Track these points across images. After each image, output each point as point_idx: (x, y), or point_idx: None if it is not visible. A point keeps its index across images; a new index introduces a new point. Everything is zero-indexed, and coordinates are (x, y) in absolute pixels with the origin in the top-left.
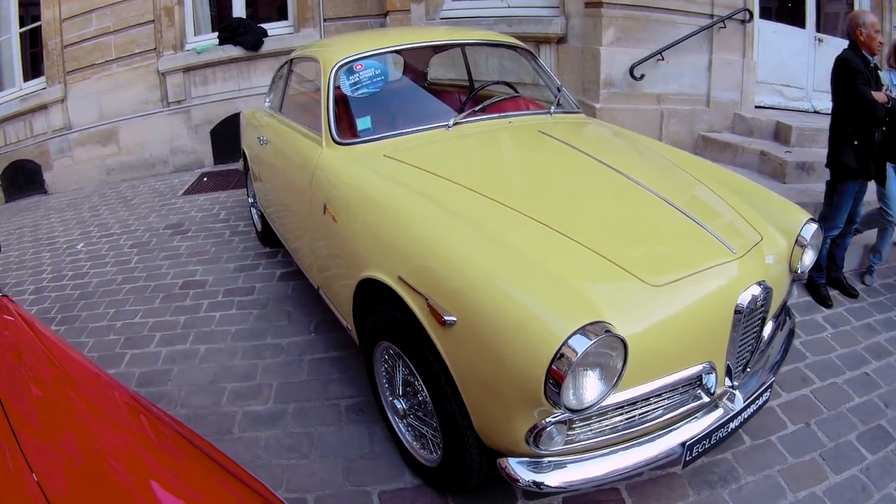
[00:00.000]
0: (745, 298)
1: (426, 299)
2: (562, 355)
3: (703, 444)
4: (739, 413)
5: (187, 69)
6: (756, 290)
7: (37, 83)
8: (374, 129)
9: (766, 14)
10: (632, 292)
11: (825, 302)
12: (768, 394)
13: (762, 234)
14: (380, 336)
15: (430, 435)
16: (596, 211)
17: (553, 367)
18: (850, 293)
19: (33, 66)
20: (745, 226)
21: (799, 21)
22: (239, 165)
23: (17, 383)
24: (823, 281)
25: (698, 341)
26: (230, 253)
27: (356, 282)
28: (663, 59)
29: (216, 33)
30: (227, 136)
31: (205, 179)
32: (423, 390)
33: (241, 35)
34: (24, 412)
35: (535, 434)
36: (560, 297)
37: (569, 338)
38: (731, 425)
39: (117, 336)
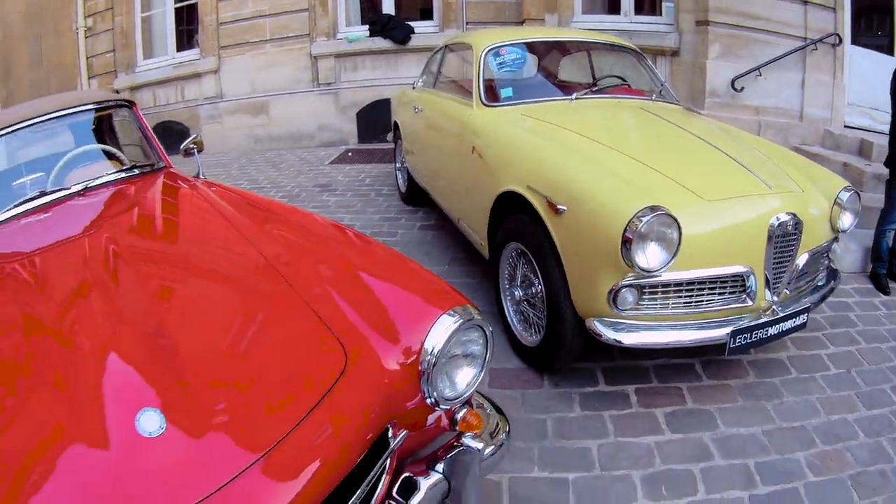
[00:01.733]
0: (776, 220)
1: (546, 198)
2: (632, 226)
3: (746, 337)
4: (778, 322)
5: (338, 55)
6: (785, 217)
7: (190, 54)
8: (514, 97)
9: (861, 42)
10: (688, 198)
11: (884, 290)
12: (806, 316)
13: (803, 189)
14: (508, 239)
15: (535, 319)
16: (670, 154)
17: (626, 233)
18: None
19: (183, 39)
20: (787, 180)
21: (890, 51)
22: (388, 137)
23: (261, 234)
24: (885, 272)
25: (740, 246)
26: (375, 208)
27: (495, 196)
28: (761, 75)
29: (367, 26)
30: (371, 119)
31: (349, 154)
32: (537, 280)
33: (391, 30)
34: (275, 252)
35: (614, 294)
36: (634, 191)
37: (636, 213)
38: (771, 330)
39: None
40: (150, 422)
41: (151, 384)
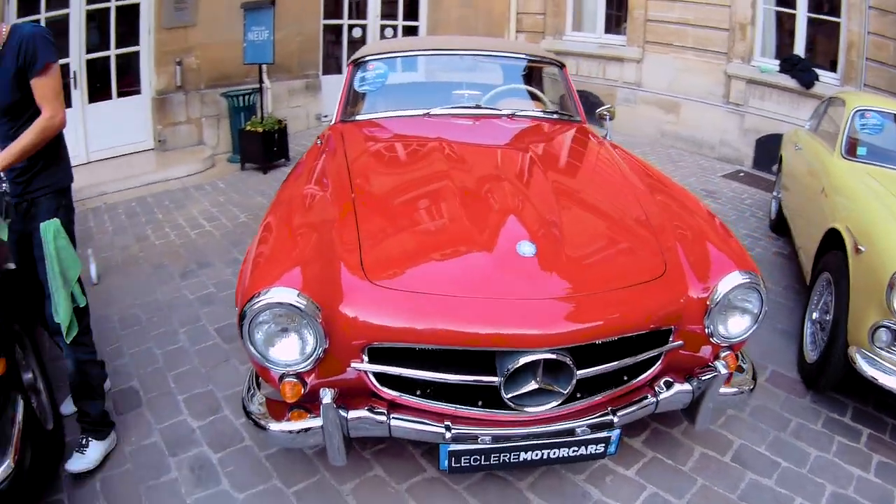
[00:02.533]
0: None
1: (854, 239)
2: None
3: None
4: None
5: (749, 81)
6: None
7: (616, 39)
8: (867, 157)
9: None
10: None
11: None
12: None
13: None
14: (824, 269)
15: (820, 339)
16: None
17: (893, 278)
18: None
19: (611, 23)
20: None
21: None
22: (774, 168)
23: (644, 191)
24: None
25: None
26: (744, 224)
27: (824, 231)
28: None
29: (779, 61)
30: (767, 149)
31: (741, 174)
32: (831, 309)
33: (799, 71)
34: (649, 205)
35: (874, 330)
36: None
37: None
38: None
39: None
40: (527, 248)
41: (535, 232)
